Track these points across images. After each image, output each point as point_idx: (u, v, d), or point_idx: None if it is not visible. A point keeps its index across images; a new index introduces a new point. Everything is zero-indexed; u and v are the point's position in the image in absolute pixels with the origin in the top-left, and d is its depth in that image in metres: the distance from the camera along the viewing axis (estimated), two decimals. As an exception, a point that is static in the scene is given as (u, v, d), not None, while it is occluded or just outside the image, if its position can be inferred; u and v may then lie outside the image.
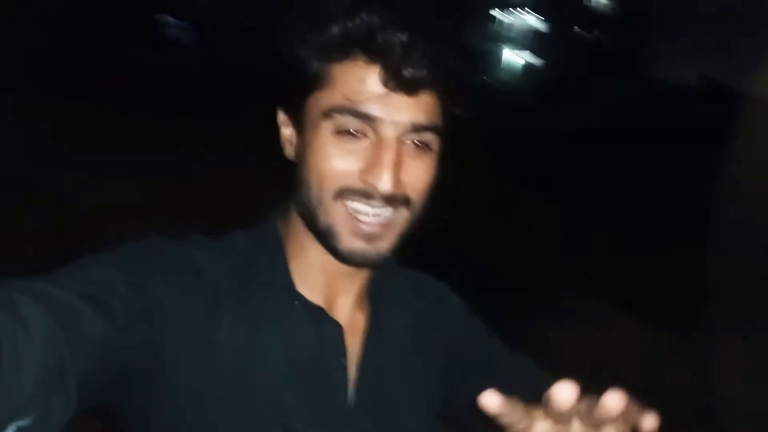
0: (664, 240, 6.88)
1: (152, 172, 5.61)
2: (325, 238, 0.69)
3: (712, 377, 3.59)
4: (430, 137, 0.67)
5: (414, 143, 0.67)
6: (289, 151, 0.73)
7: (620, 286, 5.17)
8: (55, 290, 0.54)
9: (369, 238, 0.67)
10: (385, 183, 0.64)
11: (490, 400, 0.45)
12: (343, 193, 0.66)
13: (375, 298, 0.80)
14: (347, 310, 0.76)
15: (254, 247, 0.75)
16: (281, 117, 0.74)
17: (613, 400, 0.41)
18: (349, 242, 0.67)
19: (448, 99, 0.68)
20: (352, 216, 0.66)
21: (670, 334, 4.28)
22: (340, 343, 0.73)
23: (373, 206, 0.66)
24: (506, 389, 0.82)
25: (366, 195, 0.65)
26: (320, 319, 0.72)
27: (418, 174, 0.67)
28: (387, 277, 0.81)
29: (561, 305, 4.35)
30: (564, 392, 0.42)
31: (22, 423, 0.45)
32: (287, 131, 0.73)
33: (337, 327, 0.73)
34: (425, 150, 0.68)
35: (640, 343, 4.19)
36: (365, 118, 0.64)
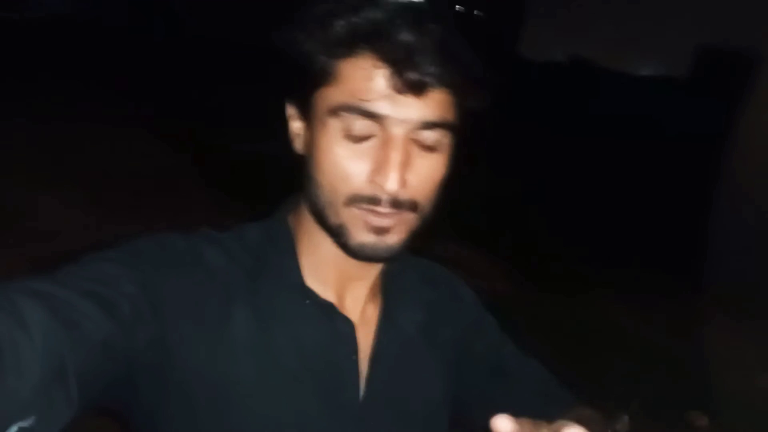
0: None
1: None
2: (336, 235, 0.68)
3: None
4: (441, 134, 0.65)
5: (424, 140, 0.65)
6: (298, 145, 0.71)
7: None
8: (57, 289, 0.53)
9: (379, 231, 0.66)
10: (391, 182, 0.62)
11: (503, 425, 0.43)
12: (354, 200, 0.65)
13: (387, 290, 0.79)
14: (359, 304, 0.76)
15: (265, 242, 0.74)
16: (289, 110, 0.72)
17: None
18: (360, 236, 0.66)
19: (460, 95, 0.66)
20: (364, 211, 0.65)
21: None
22: (351, 338, 0.73)
23: (379, 214, 0.65)
24: (513, 394, 0.81)
25: (374, 201, 0.64)
26: (331, 316, 0.72)
27: (426, 173, 0.65)
28: (399, 269, 0.80)
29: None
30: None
31: (24, 424, 0.45)
32: (296, 125, 0.71)
33: (348, 323, 0.73)
34: (436, 147, 0.66)
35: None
36: (373, 116, 0.62)
